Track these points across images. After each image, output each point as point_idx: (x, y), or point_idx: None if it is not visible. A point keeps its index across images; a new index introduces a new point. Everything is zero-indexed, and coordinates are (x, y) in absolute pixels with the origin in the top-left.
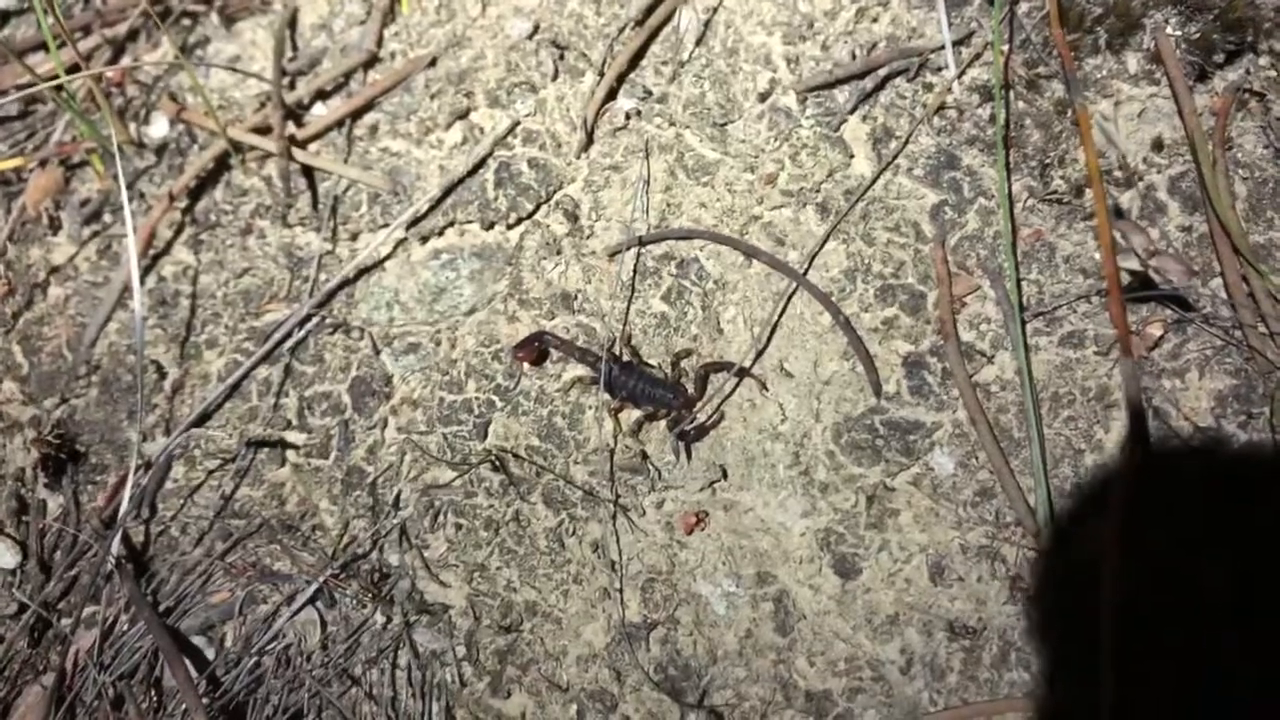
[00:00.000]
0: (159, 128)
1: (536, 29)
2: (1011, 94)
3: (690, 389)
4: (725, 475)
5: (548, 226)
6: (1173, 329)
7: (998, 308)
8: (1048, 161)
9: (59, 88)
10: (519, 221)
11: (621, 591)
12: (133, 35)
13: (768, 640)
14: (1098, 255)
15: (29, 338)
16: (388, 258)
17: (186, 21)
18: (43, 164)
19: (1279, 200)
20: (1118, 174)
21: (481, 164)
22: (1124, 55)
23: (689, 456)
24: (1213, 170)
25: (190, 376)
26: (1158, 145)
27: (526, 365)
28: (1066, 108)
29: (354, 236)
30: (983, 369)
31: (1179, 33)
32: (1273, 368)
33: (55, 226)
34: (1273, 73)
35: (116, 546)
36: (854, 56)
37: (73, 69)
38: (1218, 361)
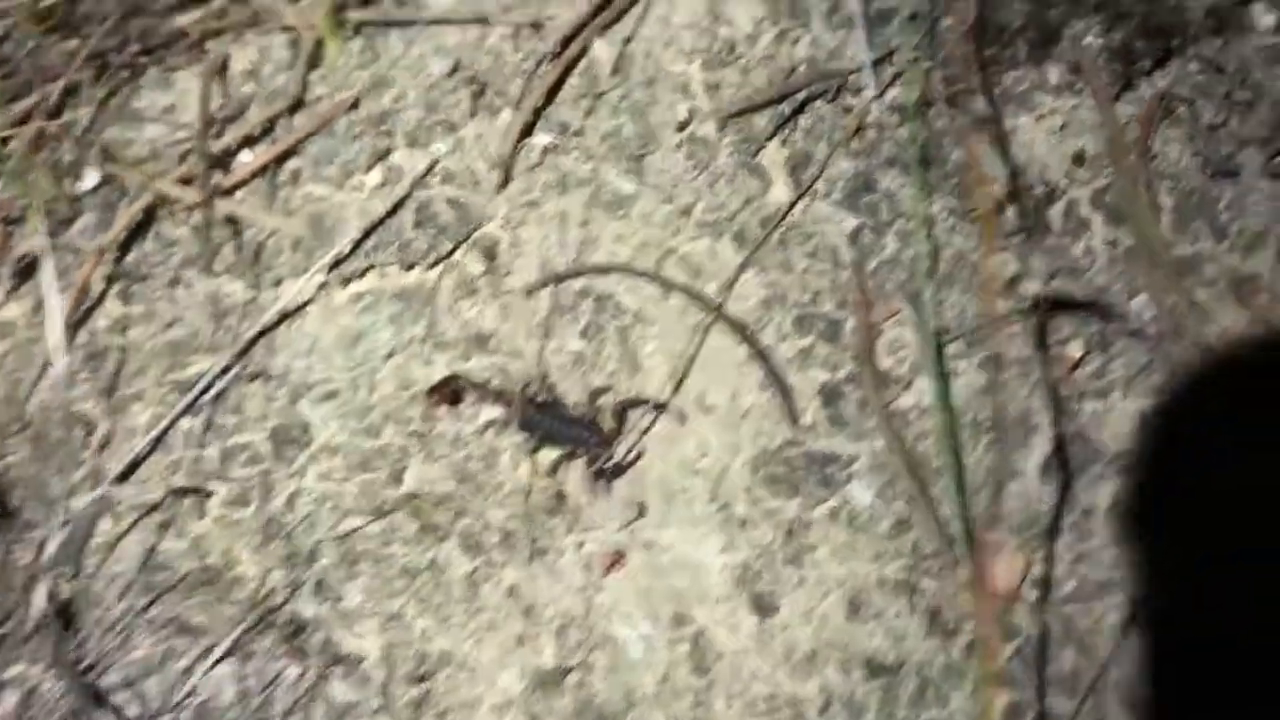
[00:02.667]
0: (90, 181)
1: (456, 67)
2: (932, 112)
3: (607, 426)
4: (643, 513)
5: (464, 266)
6: (1097, 348)
7: (917, 332)
8: (968, 180)
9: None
10: (438, 262)
11: (537, 638)
12: (72, 90)
13: (685, 682)
14: (1016, 274)
15: None
16: (309, 304)
17: (126, 73)
18: None
19: (1206, 211)
20: (1039, 190)
21: (400, 205)
22: (1045, 67)
23: (607, 495)
24: (1134, 183)
25: (118, 430)
26: (1079, 159)
27: (442, 409)
28: (987, 123)
29: (277, 283)
30: (900, 396)
31: (1100, 41)
32: (1193, 383)
33: None
34: (1202, 78)
35: (41, 604)
36: (772, 81)
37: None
38: (1141, 380)
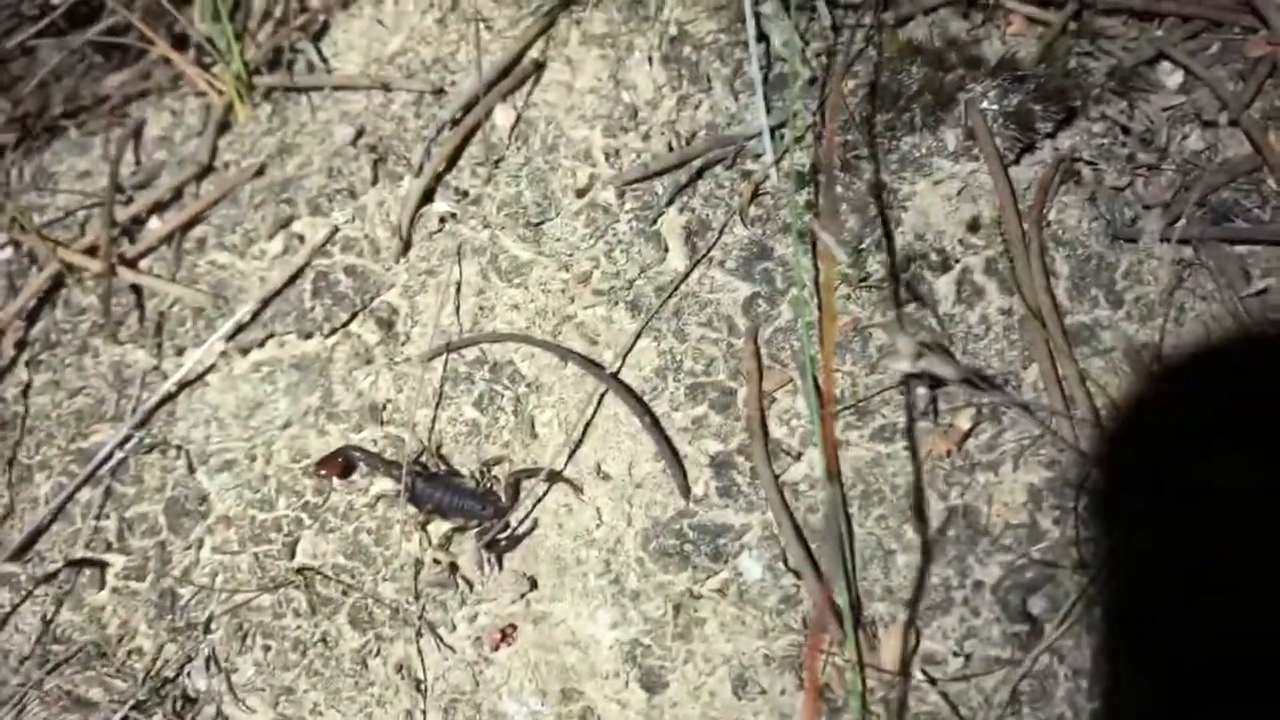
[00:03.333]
0: (3, 251)
1: (360, 133)
2: (827, 179)
3: (502, 497)
4: (535, 586)
5: (359, 336)
6: (988, 419)
7: (808, 402)
8: (863, 247)
9: None
10: (334, 331)
11: (425, 714)
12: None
13: None
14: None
15: None
16: (209, 372)
17: (46, 136)
18: None
19: (1104, 278)
20: (934, 258)
21: (299, 274)
22: (941, 132)
23: (499, 568)
24: (1026, 251)
25: (21, 499)
26: (973, 226)
27: (335, 480)
28: (881, 191)
29: (180, 352)
30: (791, 467)
31: (995, 107)
32: (1084, 458)
33: None
34: (1106, 140)
35: None
36: (671, 147)
37: None
38: (1032, 453)
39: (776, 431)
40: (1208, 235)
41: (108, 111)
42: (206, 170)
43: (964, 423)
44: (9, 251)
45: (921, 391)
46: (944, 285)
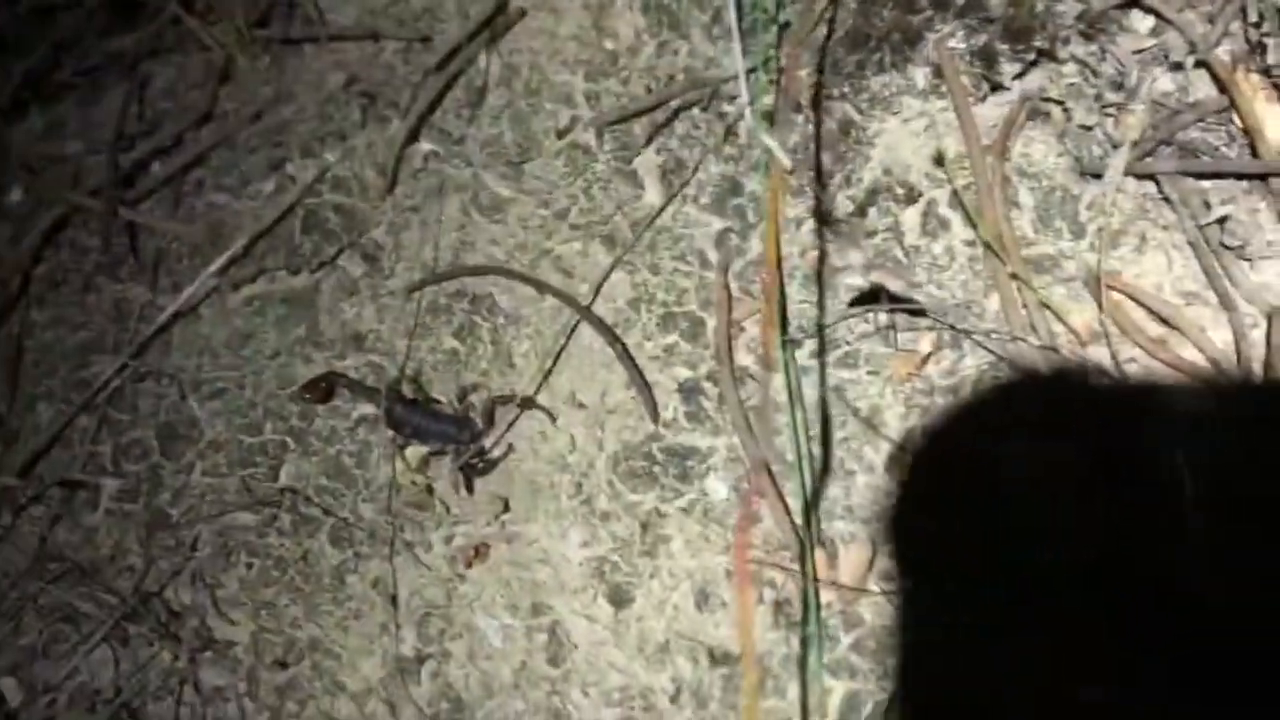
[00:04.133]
0: (15, 195)
1: (352, 80)
2: (801, 117)
3: (478, 423)
4: (508, 508)
5: (345, 269)
6: (948, 345)
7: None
8: (831, 183)
9: None
10: (321, 265)
11: (398, 626)
12: (5, 110)
13: (541, 671)
14: (874, 275)
15: None
16: (202, 306)
17: (60, 92)
18: None
19: (1068, 209)
20: (899, 191)
21: (290, 211)
22: (909, 71)
23: (470, 490)
24: (990, 181)
25: (26, 427)
26: (939, 160)
27: (318, 405)
28: (851, 128)
29: (176, 288)
30: (756, 392)
31: (963, 46)
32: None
33: None
34: (1077, 79)
35: None
36: (650, 90)
37: None
38: (991, 378)
39: (744, 359)
40: (1173, 170)
41: (119, 69)
42: (206, 117)
43: (925, 347)
44: (19, 195)
45: (882, 318)
46: (909, 217)
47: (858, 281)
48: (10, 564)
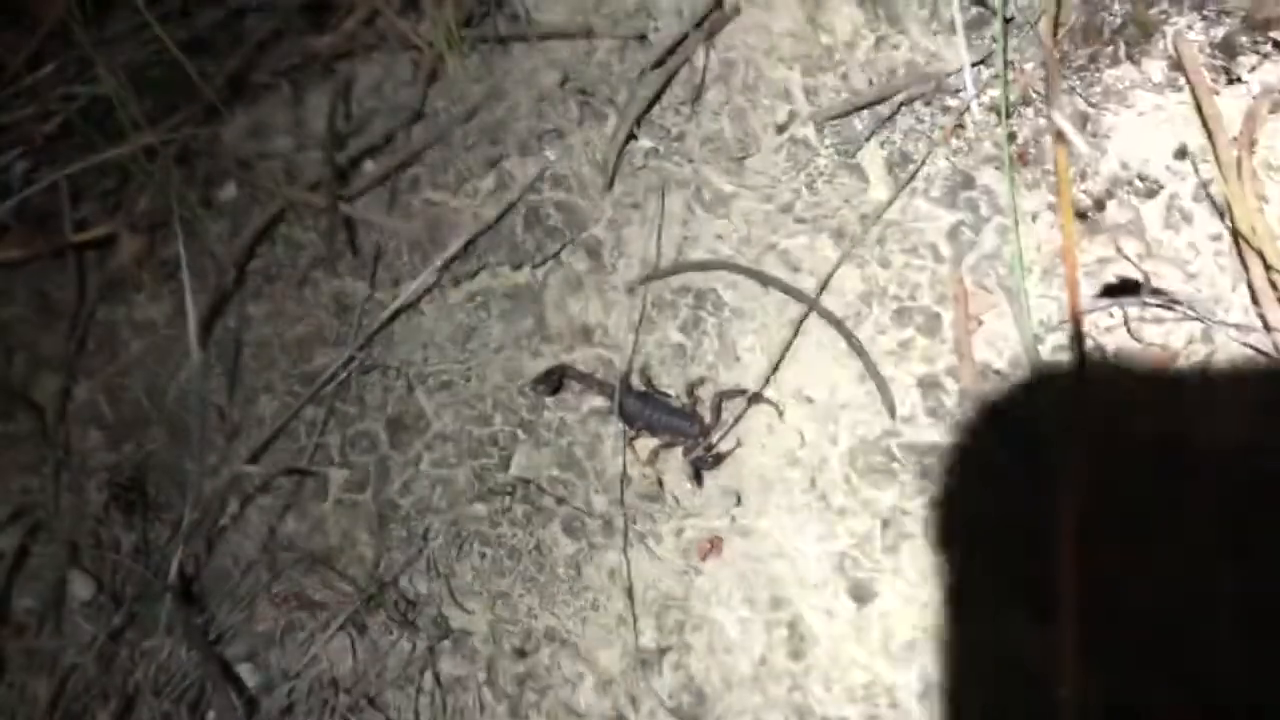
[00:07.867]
0: (229, 192)
1: (566, 79)
2: (1031, 110)
3: (706, 417)
4: (740, 501)
5: (569, 265)
6: (1199, 341)
7: (1015, 325)
8: (1068, 177)
9: (151, 155)
10: (544, 261)
11: (636, 617)
12: (212, 109)
13: (782, 666)
14: (1117, 268)
15: (112, 389)
16: (424, 300)
17: (262, 92)
18: (131, 229)
19: None
20: (1139, 185)
21: (511, 209)
22: (1145, 64)
23: (700, 484)
24: (1237, 174)
25: (248, 419)
26: (1181, 153)
27: (547, 399)
28: (1086, 122)
29: (396, 282)
30: (997, 389)
31: (1202, 38)
32: None
33: (138, 286)
34: None
35: (173, 580)
36: (871, 83)
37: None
38: (1249, 371)
39: (983, 354)
40: None
41: (319, 69)
42: (417, 116)
43: (1176, 342)
44: (232, 191)
45: (1131, 311)
46: (1151, 210)
47: (1101, 275)
48: (240, 552)
